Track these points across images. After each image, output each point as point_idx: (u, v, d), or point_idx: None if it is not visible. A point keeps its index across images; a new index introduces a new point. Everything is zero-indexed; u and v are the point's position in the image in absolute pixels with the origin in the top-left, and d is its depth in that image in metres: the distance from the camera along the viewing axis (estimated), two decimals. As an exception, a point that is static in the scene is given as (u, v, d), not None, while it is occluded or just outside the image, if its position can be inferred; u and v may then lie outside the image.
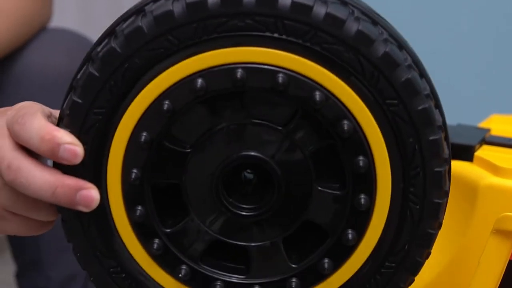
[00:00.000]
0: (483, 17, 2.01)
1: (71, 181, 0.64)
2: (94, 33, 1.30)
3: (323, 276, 0.65)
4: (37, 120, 0.64)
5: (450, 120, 0.94)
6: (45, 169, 0.65)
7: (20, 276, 1.34)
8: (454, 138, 0.83)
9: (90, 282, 1.31)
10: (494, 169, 0.77)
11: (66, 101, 0.64)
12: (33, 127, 0.64)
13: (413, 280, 0.66)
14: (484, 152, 0.83)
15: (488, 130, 0.90)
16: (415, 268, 0.65)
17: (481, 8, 2.03)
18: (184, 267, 0.65)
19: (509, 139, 0.87)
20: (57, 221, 1.33)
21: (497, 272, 0.71)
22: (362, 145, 0.62)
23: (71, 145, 0.63)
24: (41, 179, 0.64)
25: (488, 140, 0.87)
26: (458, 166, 0.81)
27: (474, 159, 0.81)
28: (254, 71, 0.61)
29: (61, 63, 1.16)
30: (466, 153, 0.82)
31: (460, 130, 0.89)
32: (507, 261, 0.72)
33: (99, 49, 0.63)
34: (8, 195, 0.67)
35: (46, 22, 1.21)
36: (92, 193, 0.63)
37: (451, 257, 0.78)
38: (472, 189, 0.77)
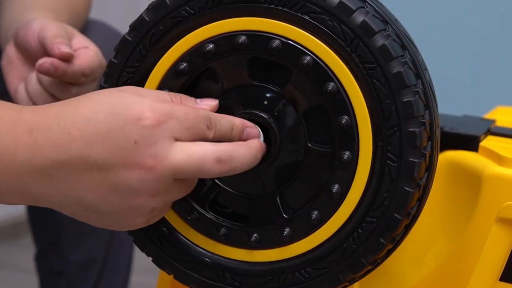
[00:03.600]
0: (487, 10, 2.01)
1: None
2: (108, 21, 1.32)
3: (313, 227, 0.70)
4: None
5: (456, 112, 0.96)
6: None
7: (39, 258, 1.35)
8: (460, 129, 0.85)
9: (108, 267, 1.33)
10: (498, 158, 0.78)
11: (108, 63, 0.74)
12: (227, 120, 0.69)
13: (393, 238, 0.69)
14: (489, 142, 0.84)
15: (493, 121, 0.92)
16: (394, 224, 0.68)
17: (485, 1, 2.04)
18: (194, 211, 0.73)
19: (513, 130, 0.89)
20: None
21: (500, 259, 0.73)
22: (345, 105, 0.68)
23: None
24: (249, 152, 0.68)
25: (493, 131, 0.88)
26: (463, 156, 0.82)
27: (479, 149, 0.82)
28: (253, 37, 0.69)
29: None
30: (471, 143, 0.83)
31: (466, 121, 0.90)
32: (510, 249, 0.73)
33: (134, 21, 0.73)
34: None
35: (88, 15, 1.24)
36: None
37: (456, 244, 0.80)
38: (476, 178, 0.78)
